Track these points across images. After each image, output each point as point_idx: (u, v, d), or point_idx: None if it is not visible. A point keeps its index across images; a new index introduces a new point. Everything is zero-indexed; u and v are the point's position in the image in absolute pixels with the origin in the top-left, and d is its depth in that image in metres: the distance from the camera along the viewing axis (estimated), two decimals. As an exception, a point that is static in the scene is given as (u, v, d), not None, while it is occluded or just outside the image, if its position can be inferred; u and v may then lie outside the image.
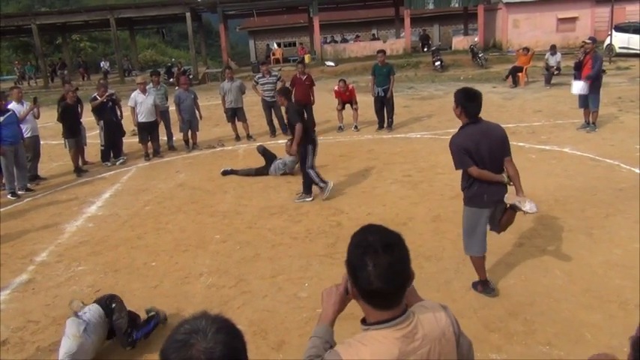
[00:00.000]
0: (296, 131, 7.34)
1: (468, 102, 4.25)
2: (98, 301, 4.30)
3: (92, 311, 4.15)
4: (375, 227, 1.66)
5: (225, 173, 9.32)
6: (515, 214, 4.55)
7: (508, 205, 4.46)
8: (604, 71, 16.63)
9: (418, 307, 1.69)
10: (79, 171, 10.28)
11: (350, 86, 12.20)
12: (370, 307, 1.62)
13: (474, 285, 4.77)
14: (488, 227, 4.64)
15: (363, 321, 1.65)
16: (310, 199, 7.64)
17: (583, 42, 10.76)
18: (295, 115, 7.40)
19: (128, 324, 4.18)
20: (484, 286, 4.69)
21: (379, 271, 1.54)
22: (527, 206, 4.28)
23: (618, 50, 23.27)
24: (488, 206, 4.46)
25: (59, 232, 7.20)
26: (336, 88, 12.38)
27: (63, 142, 10.40)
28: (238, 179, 9.06)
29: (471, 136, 4.29)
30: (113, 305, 4.21)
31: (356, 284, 1.61)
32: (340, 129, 12.44)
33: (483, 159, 4.28)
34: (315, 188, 7.69)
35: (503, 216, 4.56)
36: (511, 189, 4.47)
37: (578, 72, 10.48)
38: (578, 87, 10.25)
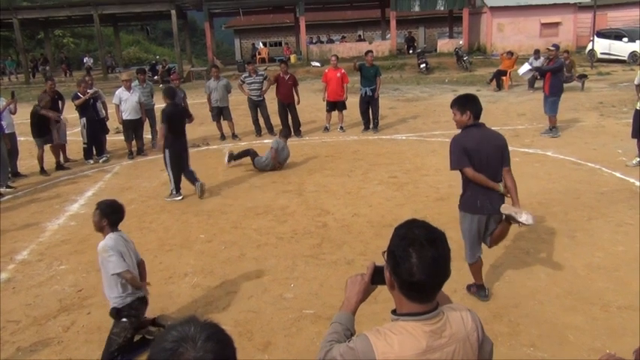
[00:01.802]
0: (159, 130, 7.98)
1: (473, 104, 4.29)
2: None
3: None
4: (420, 222, 1.71)
5: (230, 159, 9.63)
6: (509, 226, 4.46)
7: (504, 217, 4.38)
8: (586, 76, 16.96)
9: (447, 308, 1.74)
10: (44, 172, 10.02)
11: (342, 69, 12.06)
12: (405, 299, 1.66)
13: (468, 287, 4.79)
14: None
15: (394, 311, 1.70)
16: (180, 197, 7.99)
17: (547, 49, 11.17)
18: (164, 116, 7.75)
19: (120, 348, 3.84)
20: (478, 289, 4.70)
21: (423, 263, 1.59)
22: (524, 217, 4.18)
23: (600, 56, 23.62)
24: (481, 213, 4.40)
25: (40, 230, 7.08)
26: (326, 70, 12.28)
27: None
28: (223, 178, 9.02)
29: (473, 138, 4.28)
30: (123, 320, 3.85)
31: (396, 275, 1.65)
32: (326, 129, 12.44)
33: (481, 162, 4.26)
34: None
35: (497, 227, 4.49)
36: (508, 200, 4.43)
37: (542, 77, 10.84)
38: (524, 69, 10.71)
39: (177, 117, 7.95)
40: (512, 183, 4.36)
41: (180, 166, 7.98)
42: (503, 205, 4.33)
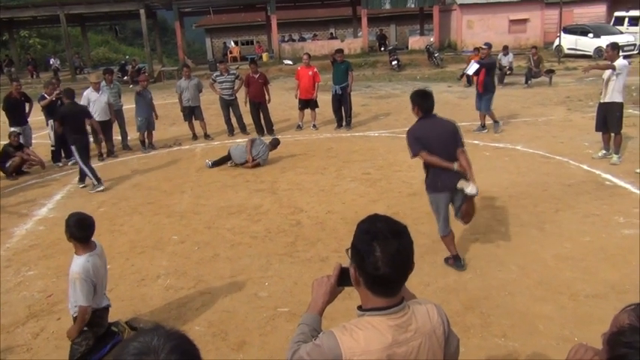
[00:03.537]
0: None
1: (421, 99, 4.85)
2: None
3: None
4: (382, 216, 1.71)
5: (213, 165, 9.49)
6: (473, 202, 4.90)
7: (463, 192, 4.81)
8: (553, 71, 17.28)
9: (413, 302, 1.75)
10: (11, 176, 9.78)
11: (314, 68, 12.12)
12: (370, 293, 1.66)
13: (446, 259, 5.15)
14: (452, 213, 5.06)
15: (360, 307, 1.70)
16: (102, 188, 8.52)
17: (479, 48, 11.48)
18: (58, 115, 8.64)
19: (82, 356, 3.68)
20: (455, 260, 5.07)
21: (387, 256, 1.59)
22: (469, 188, 4.69)
23: (567, 51, 24.12)
24: (443, 191, 4.86)
25: (7, 236, 6.90)
26: (298, 68, 12.28)
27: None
28: (196, 178, 8.94)
29: (422, 127, 4.83)
30: (85, 329, 3.67)
31: (362, 270, 1.65)
32: (299, 127, 12.43)
33: (432, 147, 4.72)
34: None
35: (462, 204, 4.89)
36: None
37: (477, 76, 11.12)
38: (473, 68, 11.07)
39: (74, 116, 8.55)
40: (466, 161, 4.78)
41: (88, 158, 8.66)
42: (461, 181, 4.76)
